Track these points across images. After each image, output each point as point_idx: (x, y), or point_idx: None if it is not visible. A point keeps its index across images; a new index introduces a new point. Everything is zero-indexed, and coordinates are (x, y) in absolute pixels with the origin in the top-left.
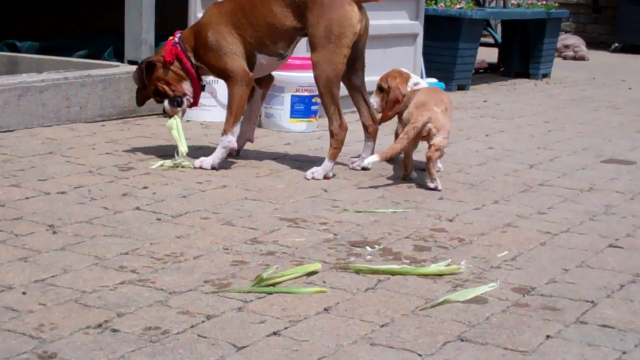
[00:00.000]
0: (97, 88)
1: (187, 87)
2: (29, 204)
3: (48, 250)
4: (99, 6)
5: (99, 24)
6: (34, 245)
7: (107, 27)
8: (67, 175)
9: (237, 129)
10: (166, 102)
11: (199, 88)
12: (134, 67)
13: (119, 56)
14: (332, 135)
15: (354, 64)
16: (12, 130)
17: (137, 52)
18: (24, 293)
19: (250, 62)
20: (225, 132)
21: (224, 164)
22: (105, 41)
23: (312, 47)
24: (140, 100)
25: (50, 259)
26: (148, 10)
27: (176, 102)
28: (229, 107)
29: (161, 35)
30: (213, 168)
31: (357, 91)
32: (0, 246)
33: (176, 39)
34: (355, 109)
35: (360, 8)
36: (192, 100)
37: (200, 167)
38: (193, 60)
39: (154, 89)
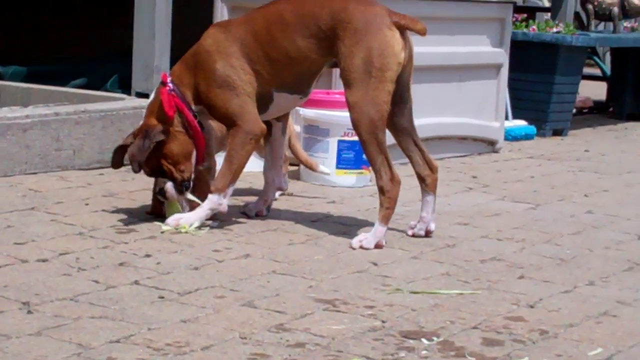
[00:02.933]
0: (95, 127)
1: (193, 161)
2: (1, 274)
3: (19, 335)
4: (101, 24)
5: (102, 46)
6: (3, 328)
7: (111, 50)
8: (50, 237)
9: (230, 191)
10: (169, 185)
11: (203, 145)
12: (143, 101)
13: (125, 87)
14: (382, 192)
15: (399, 102)
16: None
17: (148, 82)
18: None
19: (265, 101)
20: (216, 191)
21: (248, 227)
22: (108, 68)
23: (347, 84)
24: (117, 161)
25: (21, 346)
26: (163, 29)
27: (184, 187)
28: (229, 160)
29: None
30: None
31: (406, 135)
32: None
33: (170, 85)
34: (404, 158)
35: (403, 33)
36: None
37: (176, 226)
38: (192, 106)
39: (153, 167)
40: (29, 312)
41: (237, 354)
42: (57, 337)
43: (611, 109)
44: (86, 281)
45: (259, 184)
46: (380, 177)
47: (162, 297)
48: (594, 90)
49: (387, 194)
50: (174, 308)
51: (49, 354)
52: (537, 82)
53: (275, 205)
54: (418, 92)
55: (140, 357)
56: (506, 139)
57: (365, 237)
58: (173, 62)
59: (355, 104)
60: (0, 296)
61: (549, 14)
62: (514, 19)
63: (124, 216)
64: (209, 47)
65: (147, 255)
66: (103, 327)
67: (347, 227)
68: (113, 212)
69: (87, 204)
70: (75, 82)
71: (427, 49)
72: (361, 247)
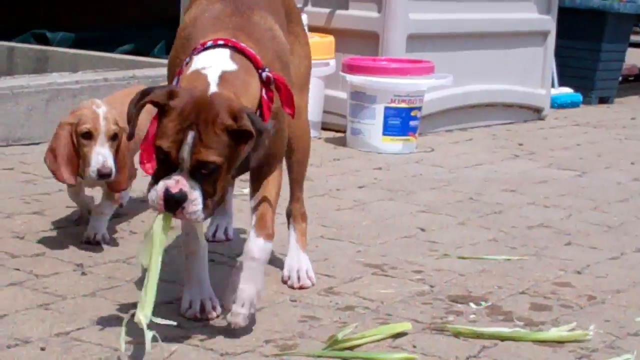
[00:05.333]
0: None
1: None
2: (55, 236)
3: (75, 296)
4: None
5: (149, 12)
6: (58, 289)
7: (158, 16)
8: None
9: None
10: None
11: None
12: None
13: None
14: (303, 218)
15: None
16: (37, 143)
17: None
18: (42, 349)
19: None
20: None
21: None
22: (155, 33)
23: (297, 87)
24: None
25: (76, 306)
26: None
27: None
28: (273, 202)
29: None
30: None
31: None
32: (16, 289)
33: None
34: None
35: None
36: None
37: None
38: None
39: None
40: (83, 273)
41: (289, 317)
42: (110, 298)
43: None
44: (138, 245)
45: None
46: (303, 202)
47: (213, 261)
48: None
49: (305, 219)
50: (225, 271)
51: (104, 313)
52: (584, 50)
53: (322, 171)
54: (464, 59)
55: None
56: (552, 106)
57: (305, 271)
58: None
59: (304, 112)
60: (55, 258)
61: None
62: None
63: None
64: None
65: None
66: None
67: (393, 192)
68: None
69: (136, 168)
70: (123, 48)
71: (474, 15)
72: (301, 286)
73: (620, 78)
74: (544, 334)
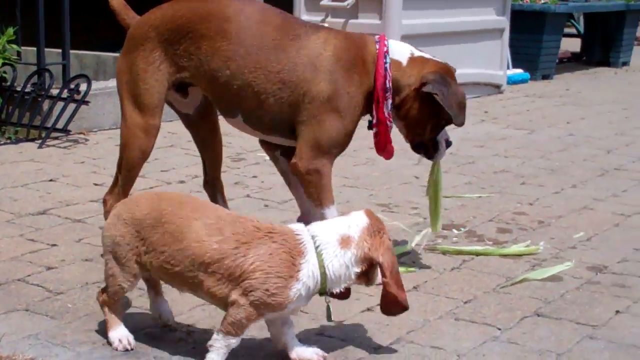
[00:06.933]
0: None
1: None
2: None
3: None
4: None
5: None
6: None
7: None
8: (185, 166)
9: None
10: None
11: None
12: None
13: None
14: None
15: None
16: None
17: None
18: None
19: None
20: None
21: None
22: None
23: None
24: None
25: None
26: None
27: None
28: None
29: None
30: None
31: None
32: None
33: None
34: None
35: None
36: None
37: None
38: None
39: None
40: None
41: None
42: None
43: (584, 58)
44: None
45: None
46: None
47: (267, 206)
48: (571, 45)
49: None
50: (275, 213)
51: None
52: (530, 40)
53: None
54: (443, 51)
55: None
56: (508, 83)
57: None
58: None
59: None
60: None
61: None
62: None
63: (236, 150)
64: None
65: (254, 177)
66: None
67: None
68: (229, 147)
69: None
70: None
71: (449, 19)
72: None
73: (557, 60)
74: (507, 250)
